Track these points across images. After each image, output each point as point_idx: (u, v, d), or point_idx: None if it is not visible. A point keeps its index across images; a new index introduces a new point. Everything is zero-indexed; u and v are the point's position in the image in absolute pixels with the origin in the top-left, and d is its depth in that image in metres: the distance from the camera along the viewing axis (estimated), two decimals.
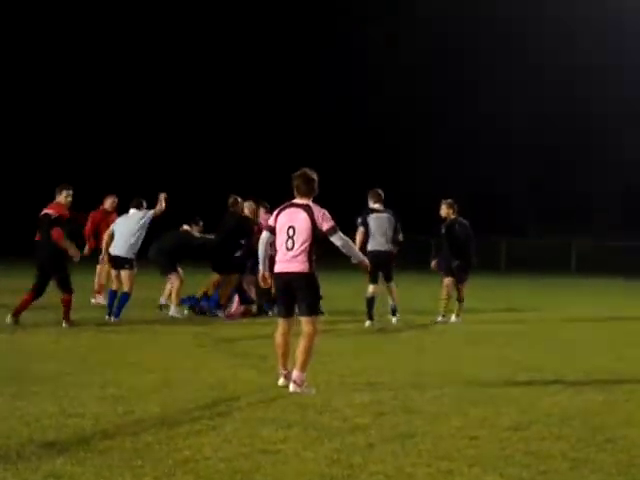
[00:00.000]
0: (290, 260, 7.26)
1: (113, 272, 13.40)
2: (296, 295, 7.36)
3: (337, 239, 7.33)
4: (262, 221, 13.43)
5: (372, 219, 13.26)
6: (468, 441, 5.85)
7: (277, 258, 7.43)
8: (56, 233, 11.52)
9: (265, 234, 7.64)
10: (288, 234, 7.25)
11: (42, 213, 11.84)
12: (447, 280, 13.80)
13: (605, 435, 6.09)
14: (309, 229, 7.21)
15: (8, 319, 11.59)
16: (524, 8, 45.95)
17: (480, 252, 14.52)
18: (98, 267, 15.33)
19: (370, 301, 13.18)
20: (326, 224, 7.27)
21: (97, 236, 15.21)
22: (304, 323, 7.38)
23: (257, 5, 47.89)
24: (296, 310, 7.52)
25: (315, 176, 7.47)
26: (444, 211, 13.96)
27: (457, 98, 46.10)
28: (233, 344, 10.40)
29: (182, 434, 5.86)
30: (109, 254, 13.22)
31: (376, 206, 13.43)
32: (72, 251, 11.71)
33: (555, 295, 22.60)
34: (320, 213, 7.29)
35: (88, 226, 15.66)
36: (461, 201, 14.38)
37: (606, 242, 39.01)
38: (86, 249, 15.17)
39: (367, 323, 13.14)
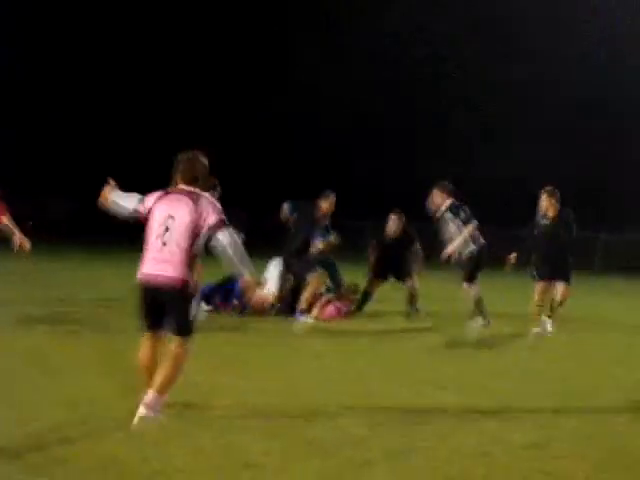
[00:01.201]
0: (162, 261, 5.99)
1: None
2: (165, 307, 6.14)
3: (225, 236, 5.94)
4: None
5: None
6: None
7: (147, 255, 6.15)
8: None
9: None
10: (166, 226, 6.02)
11: None
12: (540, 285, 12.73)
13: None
14: (192, 223, 5.97)
15: None
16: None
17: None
18: None
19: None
20: (212, 217, 5.97)
21: None
22: (172, 342, 6.22)
23: None
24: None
25: (205, 161, 6.32)
26: (546, 203, 12.58)
27: None
28: (215, 348, 9.92)
29: (150, 443, 5.52)
30: None
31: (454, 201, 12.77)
32: (18, 237, 10.00)
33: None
34: (210, 205, 6.06)
35: None
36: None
37: None
38: None
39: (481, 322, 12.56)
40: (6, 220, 10.04)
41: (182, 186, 6.19)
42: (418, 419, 6.52)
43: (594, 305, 18.67)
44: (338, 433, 5.94)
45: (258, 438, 5.70)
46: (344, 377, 8.29)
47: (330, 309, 13.47)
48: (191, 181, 6.18)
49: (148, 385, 6.19)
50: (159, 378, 6.09)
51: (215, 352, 9.37)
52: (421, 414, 6.72)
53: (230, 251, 5.96)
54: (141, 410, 6.01)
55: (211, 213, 5.98)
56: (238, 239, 6.07)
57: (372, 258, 14.35)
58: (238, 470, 4.99)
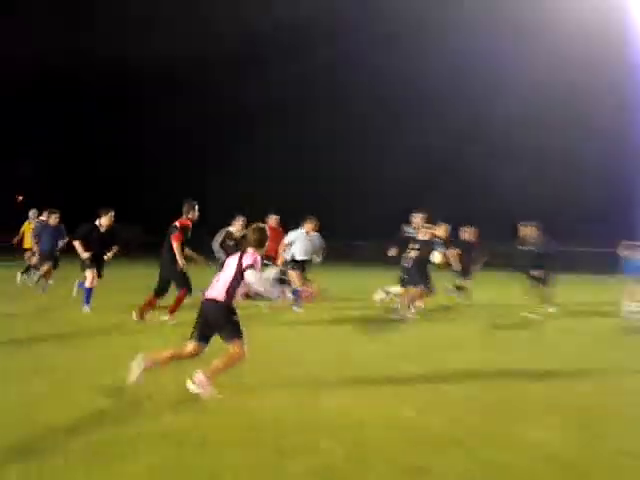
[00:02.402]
0: (212, 287, 7.95)
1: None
2: (213, 326, 7.82)
3: (250, 275, 7.85)
4: None
5: None
6: None
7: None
8: (175, 237, 12.79)
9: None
10: (221, 270, 8.13)
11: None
12: None
13: None
14: (235, 266, 7.94)
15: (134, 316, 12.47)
16: None
17: None
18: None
19: None
20: (247, 261, 7.92)
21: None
22: (230, 347, 7.72)
23: None
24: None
25: (263, 229, 8.20)
26: None
27: None
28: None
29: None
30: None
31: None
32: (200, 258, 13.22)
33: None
34: (248, 254, 8.00)
35: None
36: None
37: None
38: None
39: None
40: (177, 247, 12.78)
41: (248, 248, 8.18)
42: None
43: None
44: None
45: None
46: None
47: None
48: (250, 245, 8.07)
49: (151, 357, 7.63)
50: (215, 364, 7.59)
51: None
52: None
53: (255, 287, 7.93)
54: (192, 387, 7.49)
55: (246, 259, 7.92)
56: (260, 277, 7.97)
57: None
58: None
